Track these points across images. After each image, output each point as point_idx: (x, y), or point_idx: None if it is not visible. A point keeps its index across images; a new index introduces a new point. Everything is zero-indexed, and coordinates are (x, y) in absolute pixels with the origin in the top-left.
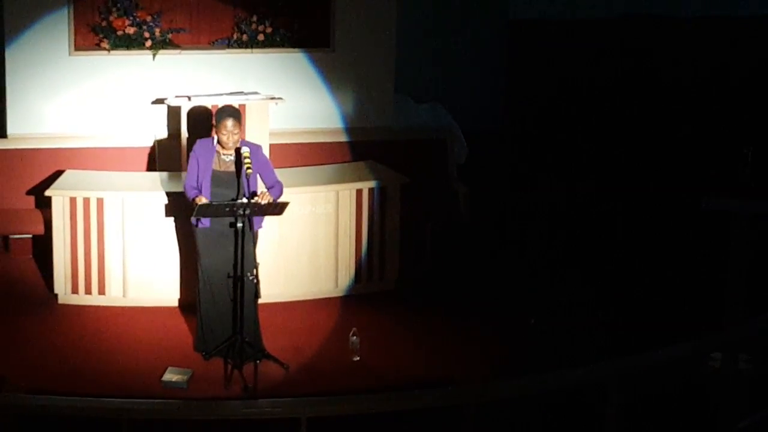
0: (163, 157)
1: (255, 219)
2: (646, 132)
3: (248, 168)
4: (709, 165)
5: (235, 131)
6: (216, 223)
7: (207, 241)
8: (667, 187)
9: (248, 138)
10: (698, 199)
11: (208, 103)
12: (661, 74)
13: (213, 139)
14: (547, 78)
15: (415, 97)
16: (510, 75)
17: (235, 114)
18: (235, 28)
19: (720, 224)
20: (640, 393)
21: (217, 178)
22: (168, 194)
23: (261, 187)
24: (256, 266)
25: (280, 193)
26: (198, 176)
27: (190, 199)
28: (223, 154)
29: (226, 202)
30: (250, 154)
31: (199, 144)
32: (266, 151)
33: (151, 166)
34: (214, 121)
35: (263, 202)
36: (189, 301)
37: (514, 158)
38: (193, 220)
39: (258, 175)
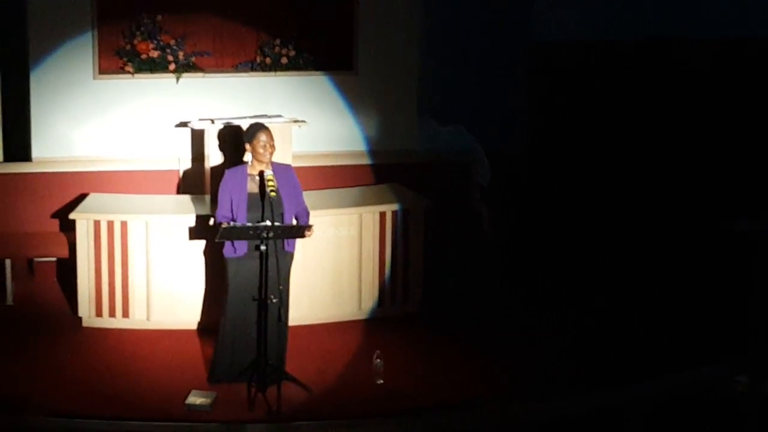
0: (187, 180)
1: (288, 240)
2: (668, 153)
3: (272, 191)
4: (731, 186)
5: (271, 143)
6: (250, 251)
7: (237, 264)
8: (689, 208)
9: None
10: (722, 220)
11: (232, 126)
12: (683, 96)
13: (244, 165)
14: (569, 100)
15: (438, 120)
16: (532, 97)
17: (266, 127)
18: (259, 52)
19: (745, 245)
20: (665, 416)
21: (253, 200)
22: (192, 217)
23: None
24: (280, 290)
25: (307, 221)
26: (232, 206)
27: (218, 224)
28: (256, 176)
29: (250, 225)
30: (274, 175)
31: (229, 174)
32: None
33: (175, 189)
34: (246, 140)
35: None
36: (211, 325)
37: (537, 180)
38: (228, 251)
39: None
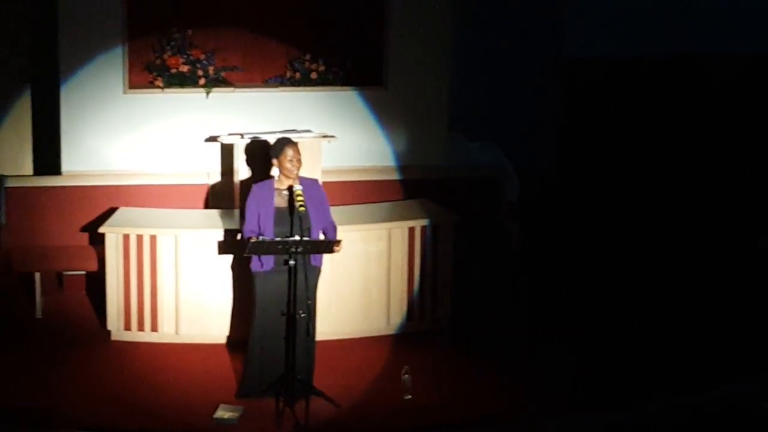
0: (216, 194)
1: (315, 255)
2: (699, 169)
3: (300, 206)
4: (763, 202)
5: (298, 157)
6: (278, 264)
7: (265, 279)
8: (719, 224)
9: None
10: (754, 238)
11: (261, 141)
12: (714, 112)
13: (271, 180)
14: (599, 116)
15: (467, 136)
16: (562, 113)
17: (293, 142)
18: (288, 67)
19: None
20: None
21: (280, 215)
22: (221, 232)
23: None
24: (308, 304)
25: (334, 236)
26: (259, 220)
27: (246, 239)
28: (284, 191)
29: (278, 240)
30: (303, 190)
31: (256, 188)
32: None
33: (204, 204)
34: (273, 155)
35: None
36: (240, 339)
37: (566, 197)
38: (255, 265)
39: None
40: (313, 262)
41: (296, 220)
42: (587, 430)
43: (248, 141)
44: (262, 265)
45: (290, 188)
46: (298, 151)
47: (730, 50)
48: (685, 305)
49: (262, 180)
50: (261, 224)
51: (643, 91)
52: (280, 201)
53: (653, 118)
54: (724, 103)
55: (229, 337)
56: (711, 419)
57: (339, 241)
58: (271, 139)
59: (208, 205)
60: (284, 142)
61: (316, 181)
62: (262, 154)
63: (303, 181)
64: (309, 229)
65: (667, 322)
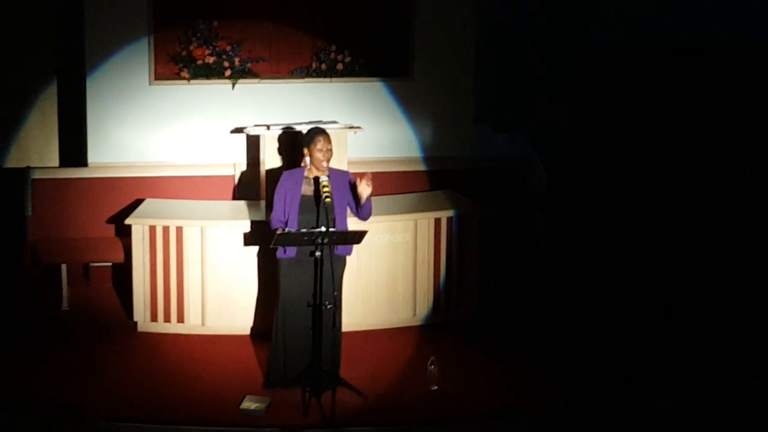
0: (243, 185)
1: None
2: (729, 166)
3: (327, 197)
4: None
5: (329, 147)
6: (301, 254)
7: (290, 270)
8: (749, 219)
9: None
10: None
11: (287, 132)
12: (746, 106)
13: (302, 168)
14: (626, 108)
15: (493, 127)
16: (589, 105)
17: (325, 132)
18: (314, 58)
19: None
20: (720, 427)
21: (306, 202)
22: (247, 223)
23: (345, 217)
24: (334, 295)
25: (370, 211)
26: (285, 207)
27: (272, 229)
28: (312, 180)
29: (305, 231)
30: (330, 181)
31: (286, 175)
32: None
33: (231, 195)
34: (304, 144)
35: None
36: (266, 330)
37: (592, 188)
38: (279, 252)
39: (347, 206)
40: (338, 252)
41: (321, 210)
42: (614, 423)
43: (275, 132)
44: (284, 251)
45: (316, 179)
46: (328, 141)
47: (761, 42)
48: (713, 300)
49: (290, 169)
50: (286, 210)
51: (670, 83)
52: (308, 189)
53: (680, 110)
54: (754, 96)
55: (255, 328)
56: (740, 412)
57: (365, 232)
58: (298, 130)
59: (234, 197)
60: (315, 132)
61: (346, 173)
62: (288, 145)
63: (333, 172)
64: (334, 220)
65: (698, 314)
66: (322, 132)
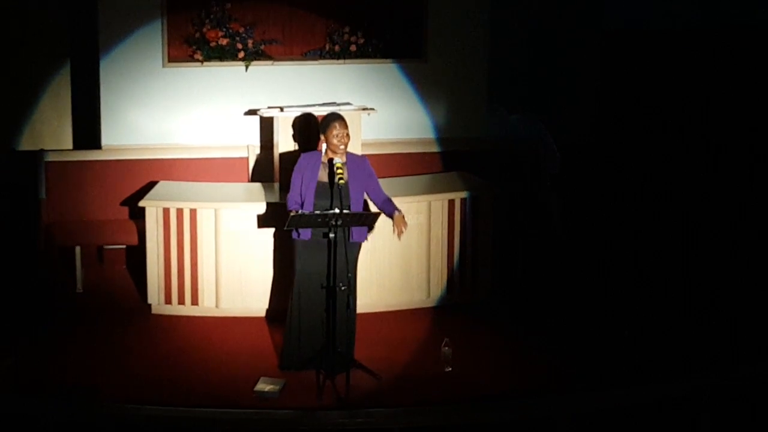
0: (257, 168)
1: (355, 230)
2: (743, 148)
3: (340, 179)
4: None
5: (345, 132)
6: (316, 235)
7: (305, 252)
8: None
9: None
10: None
11: (301, 113)
12: (761, 86)
13: (319, 152)
14: (641, 89)
15: (508, 108)
16: (604, 86)
17: (341, 118)
18: (328, 39)
19: None
20: (733, 409)
21: (322, 187)
22: (261, 205)
23: (362, 202)
24: (349, 277)
25: (393, 208)
26: (302, 190)
27: (288, 210)
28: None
29: (318, 213)
30: (345, 164)
31: (304, 157)
32: None
33: (245, 177)
34: (321, 130)
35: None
36: (280, 312)
37: (606, 170)
38: (293, 233)
39: (365, 191)
40: (353, 238)
41: (336, 193)
42: (628, 404)
43: (289, 114)
44: (299, 234)
45: (330, 161)
46: (345, 126)
47: None
48: (728, 281)
49: (307, 151)
50: (302, 194)
51: (685, 63)
52: (324, 175)
53: (695, 90)
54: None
55: (269, 311)
56: (752, 395)
57: (378, 214)
58: (312, 112)
59: (248, 179)
60: (332, 118)
61: (364, 157)
62: (302, 127)
63: (350, 156)
64: (348, 206)
65: (708, 298)
66: (337, 117)
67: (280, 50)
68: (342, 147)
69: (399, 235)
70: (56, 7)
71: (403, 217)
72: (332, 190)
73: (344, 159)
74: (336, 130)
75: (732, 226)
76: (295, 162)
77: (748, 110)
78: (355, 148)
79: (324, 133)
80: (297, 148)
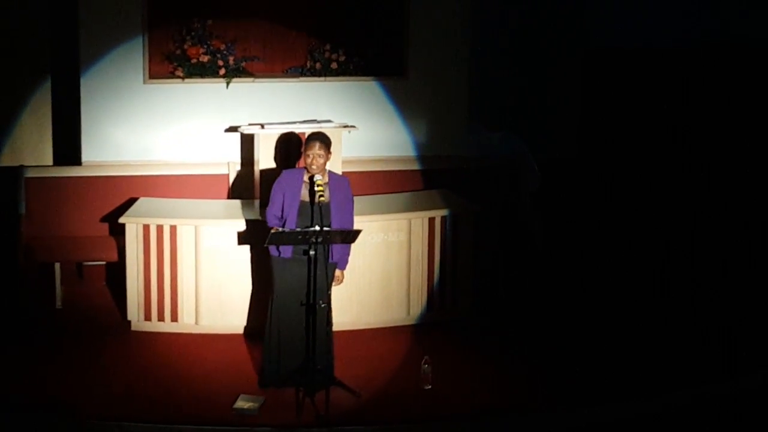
0: (237, 184)
1: (336, 252)
2: (725, 164)
3: (320, 196)
4: None
5: (320, 154)
6: (294, 252)
7: (283, 268)
8: (746, 217)
9: None
10: None
11: (281, 131)
12: (741, 104)
13: (301, 170)
14: (622, 107)
15: (488, 126)
16: (585, 104)
17: (323, 139)
18: (309, 57)
19: None
20: (724, 421)
21: (304, 208)
22: (241, 222)
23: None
24: (328, 294)
25: (345, 255)
26: (282, 207)
27: (269, 227)
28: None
29: (299, 230)
30: (326, 184)
31: (285, 175)
32: None
33: (225, 194)
34: (302, 148)
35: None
36: (260, 329)
37: (588, 188)
38: (272, 250)
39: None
40: (332, 259)
41: (316, 210)
42: (605, 423)
43: (269, 131)
44: (279, 252)
45: (311, 178)
46: (322, 148)
47: (757, 41)
48: (712, 294)
49: (290, 168)
50: (285, 212)
51: (666, 81)
52: (306, 194)
53: (676, 108)
54: (749, 94)
55: (248, 327)
56: (746, 406)
57: (359, 231)
58: (292, 130)
59: (228, 196)
60: (311, 137)
61: (345, 179)
62: (283, 144)
63: (332, 176)
64: (329, 224)
65: (688, 316)
66: (315, 137)
67: (261, 67)
68: (314, 167)
69: (332, 283)
70: (37, 23)
71: (343, 277)
72: (312, 207)
73: (326, 178)
74: (311, 150)
75: (714, 241)
76: (276, 178)
77: (729, 126)
78: (335, 165)
79: (304, 151)
80: (276, 164)
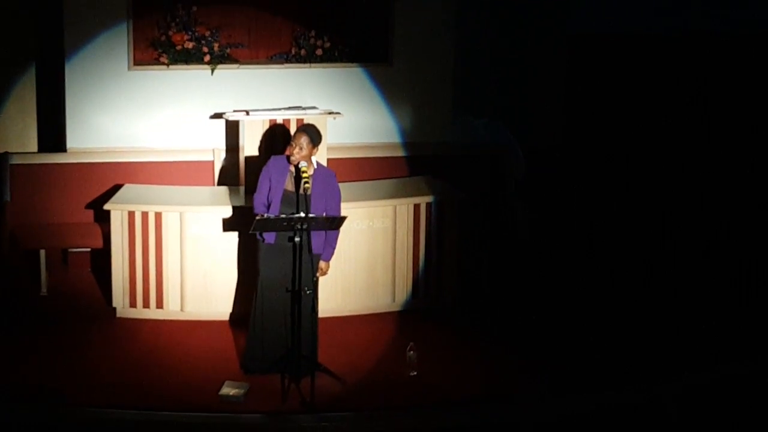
0: (222, 171)
1: (315, 243)
2: (707, 151)
3: (306, 183)
4: None
5: (303, 146)
6: (280, 239)
7: (269, 255)
8: (726, 204)
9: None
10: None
11: (266, 117)
12: (722, 92)
13: (287, 157)
14: (607, 94)
15: (473, 113)
16: (569, 90)
17: (309, 131)
18: (294, 43)
19: None
20: (708, 410)
21: (288, 198)
22: (227, 209)
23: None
24: (313, 280)
25: (330, 247)
26: (269, 193)
27: (255, 213)
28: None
29: (283, 216)
30: (314, 177)
31: (273, 161)
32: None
33: (210, 181)
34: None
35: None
36: (245, 316)
37: (573, 175)
38: (258, 235)
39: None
40: (315, 250)
41: (301, 198)
42: (590, 410)
43: (254, 118)
44: (263, 239)
45: (297, 166)
46: (302, 139)
47: (742, 28)
48: (696, 286)
49: (277, 155)
50: (269, 199)
51: (650, 68)
52: (290, 183)
53: (661, 95)
54: (735, 82)
55: (234, 314)
56: (728, 395)
57: (344, 218)
58: (277, 117)
59: (213, 182)
60: (301, 128)
61: (332, 173)
62: (268, 131)
63: (320, 168)
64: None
65: (676, 305)
66: (304, 130)
67: (245, 54)
68: (294, 157)
69: (317, 274)
70: (21, 9)
71: (327, 269)
72: (297, 194)
73: (311, 170)
74: (296, 140)
75: (701, 229)
76: (262, 165)
77: (716, 113)
78: (320, 152)
79: (291, 138)
80: (261, 151)
